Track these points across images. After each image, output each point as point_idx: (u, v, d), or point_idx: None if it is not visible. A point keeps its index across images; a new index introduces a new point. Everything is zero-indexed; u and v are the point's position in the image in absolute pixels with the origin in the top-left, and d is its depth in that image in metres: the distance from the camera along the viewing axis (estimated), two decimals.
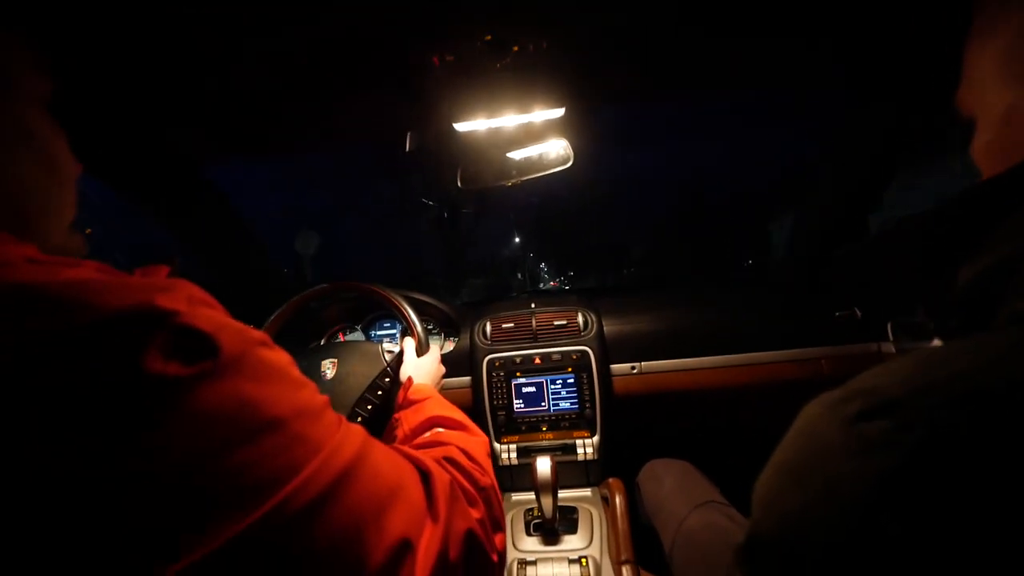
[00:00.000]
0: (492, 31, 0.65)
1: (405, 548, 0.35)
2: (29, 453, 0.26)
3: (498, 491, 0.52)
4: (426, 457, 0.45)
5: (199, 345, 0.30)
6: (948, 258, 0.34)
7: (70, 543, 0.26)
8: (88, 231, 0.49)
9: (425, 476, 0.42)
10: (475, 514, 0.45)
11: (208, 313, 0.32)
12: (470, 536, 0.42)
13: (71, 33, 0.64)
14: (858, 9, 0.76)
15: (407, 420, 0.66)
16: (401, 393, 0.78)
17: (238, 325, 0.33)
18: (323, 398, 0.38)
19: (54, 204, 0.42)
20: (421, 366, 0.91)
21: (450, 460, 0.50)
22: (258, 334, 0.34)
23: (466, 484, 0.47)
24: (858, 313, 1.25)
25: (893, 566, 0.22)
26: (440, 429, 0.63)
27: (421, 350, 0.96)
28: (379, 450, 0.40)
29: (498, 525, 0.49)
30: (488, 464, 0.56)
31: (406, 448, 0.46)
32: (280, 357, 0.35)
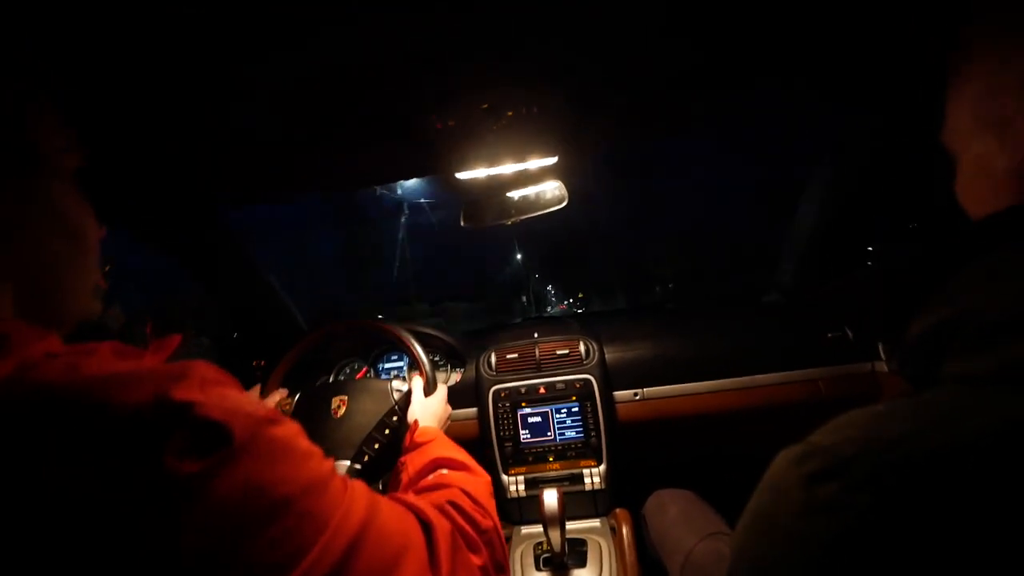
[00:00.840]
0: (489, 101, 0.71)
1: None
2: (56, 553, 0.27)
3: (500, 532, 0.54)
4: (427, 506, 0.46)
5: (213, 435, 0.31)
6: (904, 311, 0.35)
7: None
8: (107, 268, 0.49)
9: (427, 528, 0.43)
10: (477, 561, 0.46)
11: (220, 396, 0.33)
12: None
13: (98, 105, 0.68)
14: (848, 50, 0.80)
15: (412, 463, 0.68)
16: (408, 436, 0.79)
17: (248, 407, 0.34)
18: (328, 465, 0.38)
19: (79, 273, 0.43)
20: (428, 407, 0.93)
21: (453, 504, 0.51)
22: (265, 412, 0.35)
23: (468, 529, 0.48)
24: (849, 334, 1.28)
25: None
26: (443, 471, 0.64)
27: (429, 390, 0.99)
28: (383, 509, 0.40)
29: (501, 568, 0.50)
30: (491, 504, 0.57)
31: (408, 497, 0.47)
32: (287, 431, 0.36)
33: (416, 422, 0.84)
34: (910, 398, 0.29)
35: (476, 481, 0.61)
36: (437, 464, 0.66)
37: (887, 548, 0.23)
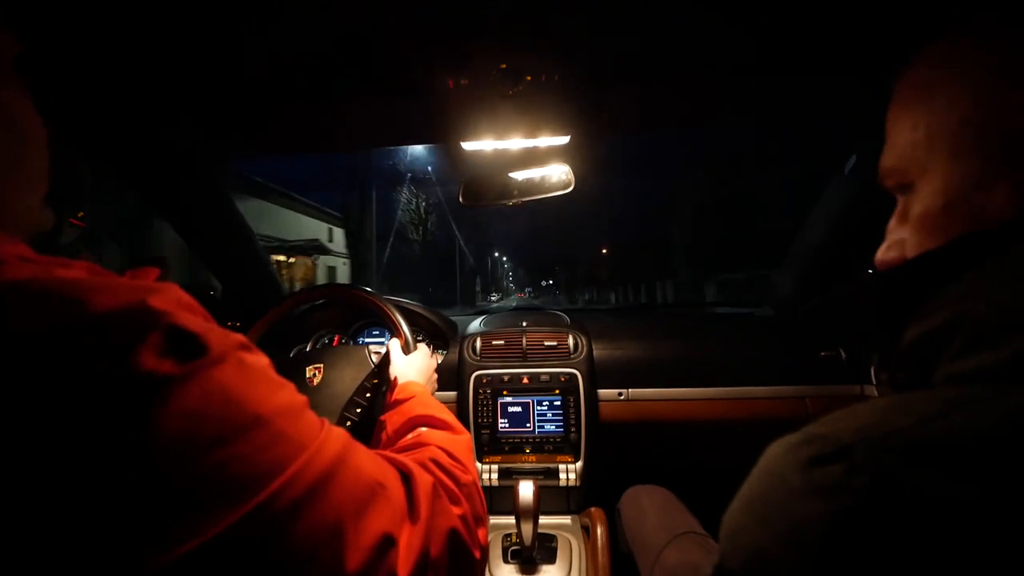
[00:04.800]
0: (508, 60, 0.66)
1: (387, 544, 0.36)
2: (23, 446, 0.27)
3: (479, 486, 0.54)
4: (408, 460, 0.46)
5: (189, 345, 0.31)
6: (896, 319, 0.37)
7: (61, 532, 0.27)
8: (80, 214, 0.47)
9: (406, 478, 0.43)
10: (457, 511, 0.46)
11: (194, 316, 0.33)
12: (453, 534, 0.43)
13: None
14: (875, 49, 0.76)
15: (391, 422, 0.67)
16: (389, 395, 0.78)
17: (221, 329, 0.34)
18: (302, 398, 0.39)
19: (24, 172, 0.40)
20: (410, 363, 0.89)
21: (433, 460, 0.52)
22: (239, 337, 0.36)
23: (448, 483, 0.48)
24: (843, 354, 1.27)
25: None
26: (423, 428, 0.64)
27: (407, 349, 0.95)
28: (362, 453, 0.41)
29: (480, 520, 0.51)
30: (470, 461, 0.58)
31: (388, 453, 0.47)
32: (260, 359, 0.37)
33: (395, 379, 0.82)
34: (907, 395, 0.30)
35: (456, 439, 0.61)
36: (416, 422, 0.65)
37: (885, 529, 0.24)
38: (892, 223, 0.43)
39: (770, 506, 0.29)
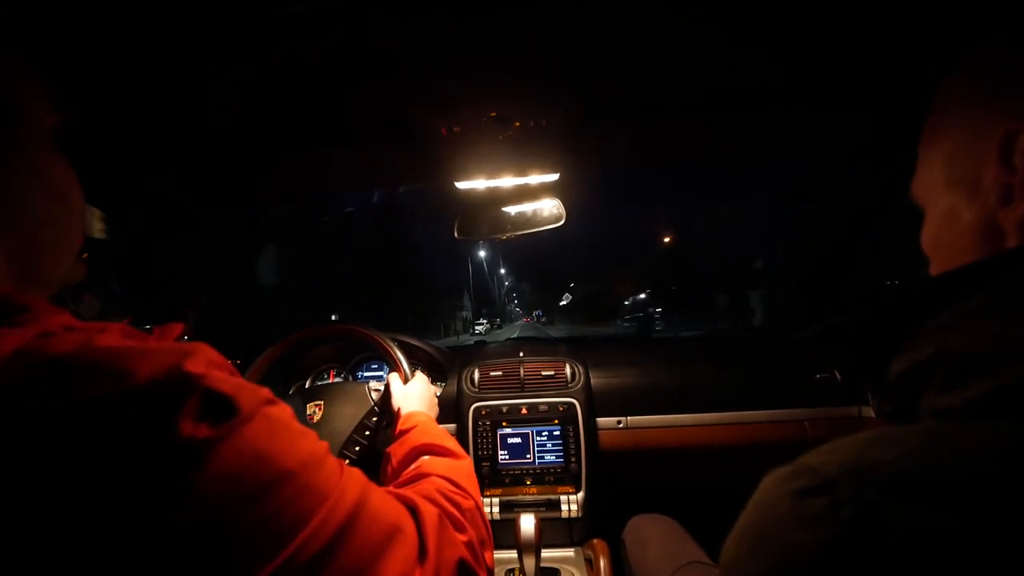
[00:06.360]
0: (497, 109, 0.70)
1: None
2: (75, 513, 0.28)
3: (482, 510, 0.56)
4: (414, 494, 0.48)
5: (222, 406, 0.32)
6: (884, 352, 0.38)
7: None
8: (85, 255, 0.50)
9: (414, 512, 0.44)
10: (462, 538, 0.47)
11: (224, 375, 0.35)
12: (461, 564, 0.45)
13: (76, 62, 0.64)
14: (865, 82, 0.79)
15: (395, 454, 0.68)
16: (394, 428, 0.79)
17: (250, 385, 0.36)
18: (323, 445, 0.40)
19: (65, 235, 0.43)
20: (409, 394, 0.90)
21: (437, 490, 0.53)
22: (265, 392, 0.37)
23: (452, 511, 0.50)
24: (838, 376, 1.28)
25: None
26: (425, 457, 0.65)
27: (406, 380, 0.96)
28: (376, 494, 0.42)
29: (485, 543, 0.52)
30: (472, 485, 0.59)
31: (395, 489, 0.49)
32: (284, 411, 0.38)
33: (399, 410, 0.83)
34: (892, 429, 0.31)
35: (457, 465, 0.63)
36: (418, 452, 0.66)
37: (868, 560, 0.25)
38: None
39: (761, 536, 0.30)
